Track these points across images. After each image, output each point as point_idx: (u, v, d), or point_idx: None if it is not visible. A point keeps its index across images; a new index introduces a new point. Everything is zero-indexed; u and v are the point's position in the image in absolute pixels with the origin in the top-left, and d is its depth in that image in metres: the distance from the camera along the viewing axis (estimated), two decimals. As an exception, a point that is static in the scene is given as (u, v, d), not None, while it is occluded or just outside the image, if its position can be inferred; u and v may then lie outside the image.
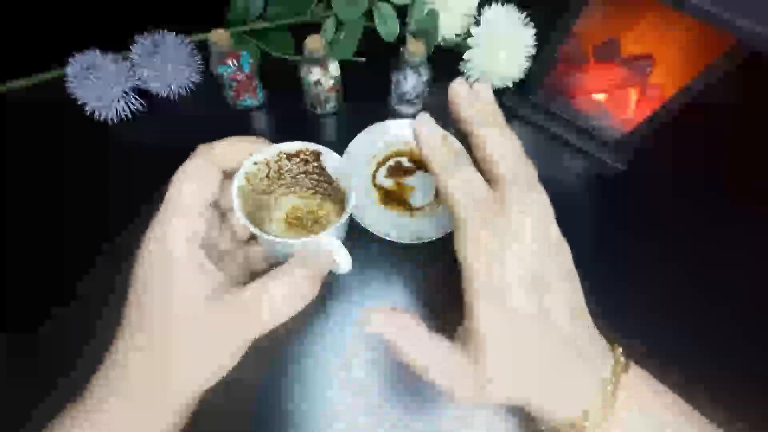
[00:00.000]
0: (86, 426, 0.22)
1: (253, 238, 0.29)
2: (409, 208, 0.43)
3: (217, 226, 0.28)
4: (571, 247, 0.43)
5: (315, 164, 0.31)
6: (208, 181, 0.26)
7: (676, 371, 0.37)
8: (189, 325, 0.23)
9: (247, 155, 0.28)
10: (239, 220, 0.26)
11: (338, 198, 0.32)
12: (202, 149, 0.26)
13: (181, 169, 0.25)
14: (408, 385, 0.35)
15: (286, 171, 0.31)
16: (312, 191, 0.34)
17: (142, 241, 0.24)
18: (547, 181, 0.46)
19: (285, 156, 0.30)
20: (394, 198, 0.44)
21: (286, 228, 0.33)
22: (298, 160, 0.31)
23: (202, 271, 0.24)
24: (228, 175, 0.28)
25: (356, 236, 0.40)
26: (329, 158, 0.30)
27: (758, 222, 0.46)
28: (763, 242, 0.45)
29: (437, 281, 0.40)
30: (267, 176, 0.30)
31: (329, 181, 0.32)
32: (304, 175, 0.32)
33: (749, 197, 0.47)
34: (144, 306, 0.23)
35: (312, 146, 0.30)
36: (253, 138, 0.28)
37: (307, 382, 0.35)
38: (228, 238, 0.29)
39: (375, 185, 0.44)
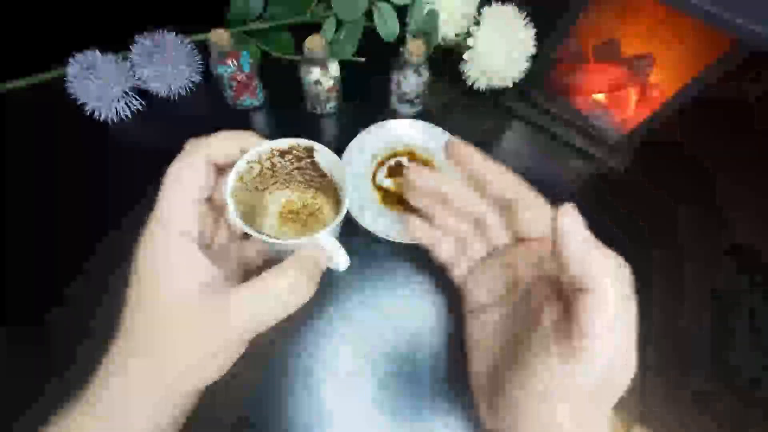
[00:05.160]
0: (87, 421, 0.22)
1: (248, 234, 0.29)
2: (409, 208, 0.43)
3: (212, 221, 0.28)
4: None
5: (308, 160, 0.31)
6: (199, 177, 0.26)
7: (677, 375, 0.38)
8: (184, 321, 0.23)
9: (238, 149, 0.28)
10: (236, 223, 0.26)
11: (333, 193, 0.32)
12: (193, 145, 0.26)
13: (172, 165, 0.26)
14: (409, 384, 0.35)
15: (279, 168, 0.31)
16: (305, 185, 0.34)
17: (138, 239, 0.24)
18: (547, 181, 0.46)
19: (277, 153, 0.30)
20: (394, 198, 0.44)
21: (281, 223, 0.33)
22: (290, 156, 0.31)
23: (197, 266, 0.24)
24: (220, 170, 0.28)
25: (356, 236, 0.40)
26: (322, 154, 0.30)
27: (759, 222, 0.46)
28: (765, 241, 0.45)
29: (437, 281, 0.40)
30: (260, 173, 0.30)
31: (323, 176, 0.32)
32: (297, 171, 0.32)
33: (750, 197, 0.47)
34: (140, 303, 0.23)
35: (304, 142, 0.30)
36: (242, 132, 0.28)
37: (308, 381, 0.35)
38: (224, 234, 0.29)
39: (375, 185, 0.44)
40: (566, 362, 0.21)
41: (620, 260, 0.23)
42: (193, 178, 0.25)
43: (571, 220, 0.22)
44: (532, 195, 0.29)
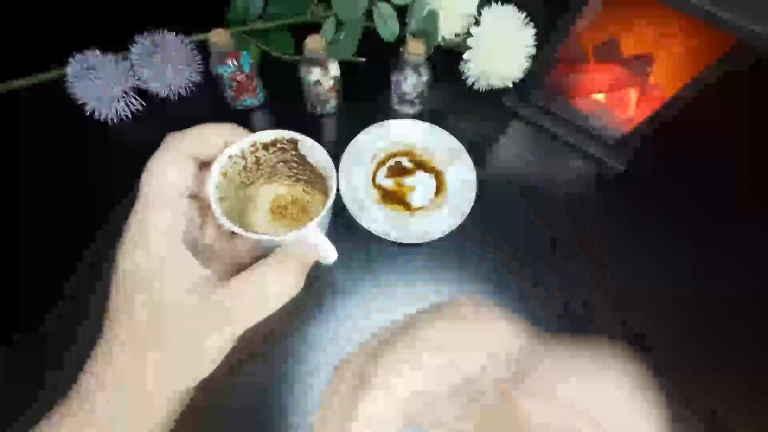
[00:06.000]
0: (76, 423, 0.22)
1: None
2: (409, 208, 0.43)
3: (198, 218, 0.27)
4: (571, 247, 0.43)
5: (293, 152, 0.31)
6: (180, 173, 0.25)
7: (675, 369, 0.38)
8: (171, 320, 0.22)
9: (221, 142, 0.27)
10: (220, 220, 0.26)
11: (322, 185, 0.32)
12: (171, 139, 0.25)
13: (151, 161, 0.25)
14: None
15: (264, 161, 0.31)
16: (294, 179, 0.34)
17: (123, 234, 0.24)
18: (547, 181, 0.47)
19: (261, 146, 0.29)
20: (394, 198, 0.44)
21: (271, 218, 0.33)
22: (275, 149, 0.30)
23: (183, 265, 0.23)
24: (204, 164, 0.27)
25: (356, 236, 0.40)
26: (307, 146, 0.30)
27: (759, 221, 0.46)
28: (764, 241, 0.45)
29: (437, 281, 0.40)
30: (244, 168, 0.30)
31: (311, 168, 0.32)
32: (283, 164, 0.32)
33: (749, 197, 0.47)
34: (126, 302, 0.23)
35: (288, 134, 0.29)
36: (224, 124, 0.27)
37: (308, 381, 0.35)
38: (211, 232, 0.28)
39: (375, 185, 0.44)
40: None
41: None
42: (174, 174, 0.24)
43: None
44: None
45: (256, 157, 0.30)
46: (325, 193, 0.32)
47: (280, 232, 0.32)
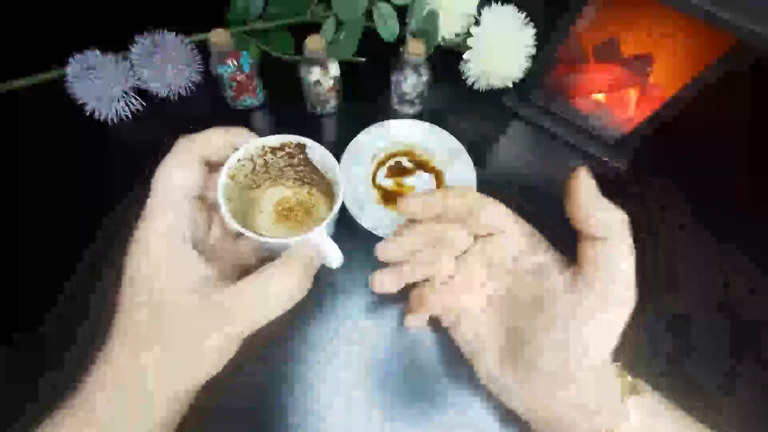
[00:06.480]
0: (76, 423, 0.22)
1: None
2: (409, 208, 0.43)
3: (205, 219, 0.27)
4: (571, 247, 0.43)
5: (301, 157, 0.31)
6: (190, 175, 0.25)
7: (676, 376, 0.38)
8: (179, 321, 0.23)
9: (230, 146, 0.28)
10: (228, 222, 0.26)
11: (327, 189, 0.32)
12: (183, 142, 0.26)
13: (162, 163, 0.25)
14: (408, 385, 0.35)
15: (272, 165, 0.31)
16: (300, 182, 0.34)
17: (130, 239, 0.24)
18: (547, 181, 0.47)
19: (269, 150, 0.30)
20: (394, 198, 0.44)
21: (276, 220, 0.33)
22: (283, 153, 0.30)
23: (190, 266, 0.24)
24: (212, 167, 0.27)
25: (356, 236, 0.40)
26: (315, 151, 0.30)
27: (759, 221, 0.46)
28: (764, 241, 0.45)
29: (437, 281, 0.40)
30: (252, 171, 0.30)
31: (317, 172, 0.32)
32: (290, 168, 0.32)
33: (749, 196, 0.47)
34: (131, 303, 0.23)
35: (296, 138, 0.29)
36: (234, 128, 0.28)
37: (307, 382, 0.35)
38: (217, 233, 0.28)
39: (375, 185, 0.44)
40: (590, 310, 0.25)
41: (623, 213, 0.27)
42: (184, 176, 0.25)
43: (587, 177, 0.27)
44: (483, 196, 0.31)
45: (264, 160, 0.30)
46: (329, 195, 0.32)
47: (283, 234, 0.33)
